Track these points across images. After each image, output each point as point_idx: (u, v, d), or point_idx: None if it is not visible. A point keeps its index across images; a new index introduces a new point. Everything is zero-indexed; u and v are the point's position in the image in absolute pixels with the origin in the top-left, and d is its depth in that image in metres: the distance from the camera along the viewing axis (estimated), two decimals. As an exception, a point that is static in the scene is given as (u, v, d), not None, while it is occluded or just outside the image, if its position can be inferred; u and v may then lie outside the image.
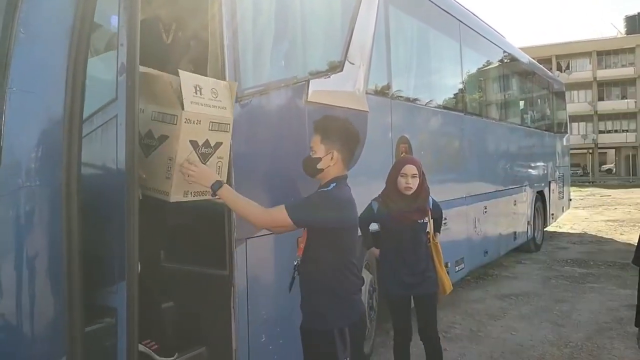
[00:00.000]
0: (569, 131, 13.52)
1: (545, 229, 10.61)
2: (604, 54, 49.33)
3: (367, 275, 4.43)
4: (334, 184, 2.49)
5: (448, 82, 6.59)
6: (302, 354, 2.57)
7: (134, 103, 2.28)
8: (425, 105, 5.67)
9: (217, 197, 2.47)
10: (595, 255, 9.50)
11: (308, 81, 3.57)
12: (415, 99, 5.47)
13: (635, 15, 49.23)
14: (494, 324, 5.55)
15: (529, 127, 9.80)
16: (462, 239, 6.30)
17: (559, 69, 47.54)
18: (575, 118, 40.71)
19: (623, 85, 49.11)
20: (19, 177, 2.04)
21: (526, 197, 9.09)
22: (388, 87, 4.79)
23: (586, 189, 30.45)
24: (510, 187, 8.23)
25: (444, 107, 6.22)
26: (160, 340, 2.81)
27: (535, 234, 9.79)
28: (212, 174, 2.42)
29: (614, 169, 51.17)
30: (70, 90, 2.14)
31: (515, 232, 8.49)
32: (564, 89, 13.09)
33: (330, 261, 2.47)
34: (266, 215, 2.43)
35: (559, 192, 11.57)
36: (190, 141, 2.41)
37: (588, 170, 48.34)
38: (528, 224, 9.18)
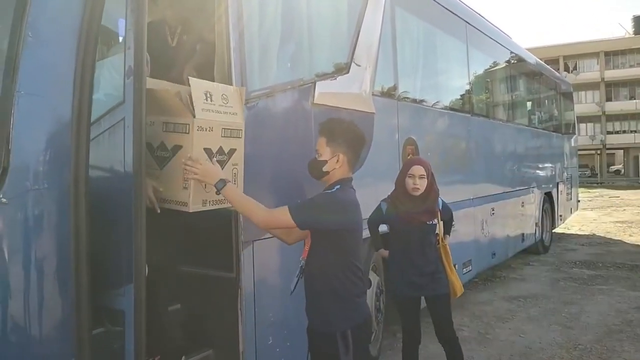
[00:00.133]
0: (576, 132, 13.44)
1: (553, 231, 10.55)
2: (611, 54, 49.05)
3: (374, 278, 4.42)
4: (339, 186, 2.49)
5: (455, 83, 6.57)
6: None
7: (141, 106, 2.29)
8: (432, 106, 5.66)
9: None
10: (604, 257, 9.44)
11: (314, 83, 3.57)
12: (422, 100, 5.45)
13: (644, 15, 48.93)
14: (502, 326, 5.52)
15: (536, 128, 9.75)
16: (469, 241, 6.27)
17: (567, 69, 47.33)
18: (583, 119, 40.48)
19: (631, 86, 48.78)
20: (27, 179, 2.06)
21: (534, 198, 9.04)
22: (394, 88, 4.78)
23: (594, 190, 30.28)
24: (518, 188, 8.19)
25: (451, 109, 6.21)
26: (167, 343, 2.81)
27: (544, 236, 9.73)
28: (217, 172, 2.41)
29: (623, 170, 50.84)
30: (78, 93, 2.16)
31: (523, 234, 8.44)
32: (571, 90, 13.03)
33: (333, 263, 2.46)
34: (269, 216, 2.43)
35: (567, 194, 11.51)
36: (205, 149, 2.41)
37: (596, 171, 48.06)
38: (536, 225, 9.13)
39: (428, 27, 5.71)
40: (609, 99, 49.06)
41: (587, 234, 12.63)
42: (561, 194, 10.83)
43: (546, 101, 11.14)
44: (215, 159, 2.45)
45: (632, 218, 15.66)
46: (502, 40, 8.08)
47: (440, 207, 3.68)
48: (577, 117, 14.00)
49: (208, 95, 2.43)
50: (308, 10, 3.69)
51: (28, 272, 2.06)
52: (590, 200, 22.24)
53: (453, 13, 6.15)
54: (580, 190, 15.55)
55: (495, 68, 8.03)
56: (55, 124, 2.15)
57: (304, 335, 2.57)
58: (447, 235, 3.91)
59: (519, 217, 8.29)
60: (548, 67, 11.42)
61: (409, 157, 4.81)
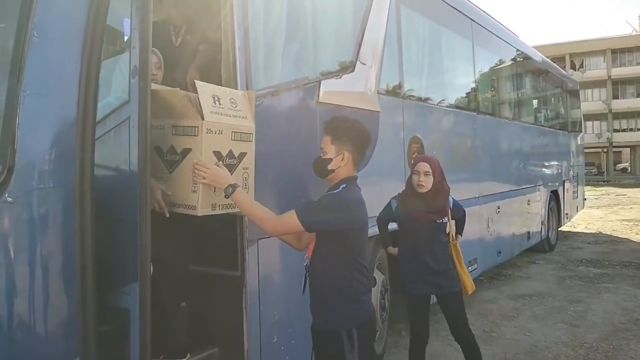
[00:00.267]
0: (583, 130, 13.38)
1: (559, 229, 10.52)
2: (618, 51, 48.82)
3: (379, 276, 4.42)
4: (344, 185, 2.48)
5: (460, 81, 6.55)
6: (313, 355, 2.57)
7: (146, 105, 2.29)
8: (438, 104, 5.65)
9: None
10: (610, 255, 9.40)
11: (319, 82, 3.57)
12: (428, 99, 5.44)
13: (651, 12, 48.58)
14: (507, 325, 5.51)
15: (542, 126, 9.71)
16: (475, 239, 6.25)
17: (573, 67, 47.09)
18: (589, 117, 40.30)
19: (638, 84, 48.57)
20: (32, 179, 2.07)
21: (540, 196, 9.01)
22: (400, 86, 4.77)
23: (601, 188, 30.12)
24: (524, 186, 8.16)
25: (457, 107, 6.19)
26: (172, 341, 2.82)
27: (550, 234, 9.69)
28: (226, 176, 2.40)
29: (629, 168, 50.58)
30: (83, 92, 2.17)
31: (529, 232, 8.42)
32: (578, 88, 12.97)
33: (338, 262, 2.45)
34: (278, 221, 2.42)
35: (574, 192, 11.46)
36: (214, 152, 2.40)
37: (603, 169, 47.86)
38: (542, 223, 9.10)
39: (433, 25, 5.69)
40: (615, 97, 48.83)
41: (593, 232, 12.58)
42: (567, 192, 10.78)
43: (552, 99, 11.10)
44: (225, 162, 2.44)
45: (638, 216, 15.56)
46: (508, 38, 8.05)
47: (451, 206, 3.66)
48: (583, 114, 13.93)
49: (216, 98, 2.42)
50: (313, 8, 3.69)
51: (34, 270, 2.07)
52: (596, 199, 22.14)
53: (459, 11, 6.13)
54: (587, 188, 15.49)
55: (501, 66, 8.01)
56: (60, 123, 2.16)
57: (308, 333, 2.57)
58: (459, 235, 3.89)
59: (524, 216, 8.26)
60: (554, 64, 11.38)
61: (414, 156, 4.81)
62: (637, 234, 12.06)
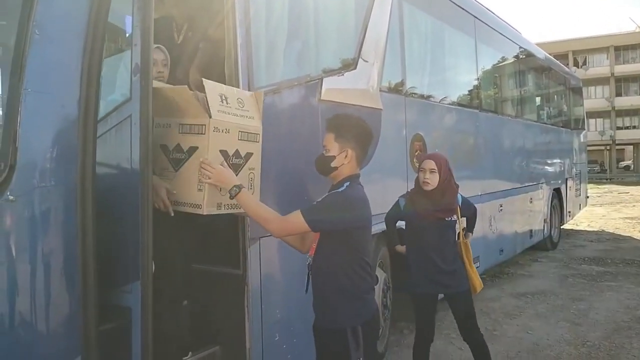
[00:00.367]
0: (586, 127, 13.34)
1: (562, 227, 10.50)
2: (621, 49, 48.62)
3: (381, 274, 4.42)
4: (348, 183, 2.46)
5: (463, 78, 6.54)
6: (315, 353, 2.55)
7: (148, 103, 2.29)
8: (440, 102, 5.63)
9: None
10: (613, 253, 9.38)
11: (321, 79, 3.56)
12: (430, 96, 5.43)
13: (655, 9, 48.41)
14: (509, 323, 5.50)
15: (545, 123, 9.69)
16: (477, 237, 6.21)
17: (576, 64, 46.93)
18: (592, 114, 40.25)
19: (642, 81, 48.41)
20: (34, 177, 2.06)
21: (542, 194, 8.99)
22: (402, 84, 4.76)
23: (603, 186, 30.08)
24: (527, 184, 8.15)
25: (459, 104, 6.17)
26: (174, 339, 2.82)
27: (552, 232, 9.68)
28: (231, 176, 2.38)
29: (632, 166, 50.49)
30: (84, 90, 2.16)
31: (531, 230, 8.41)
32: (580, 85, 12.93)
33: (342, 260, 2.44)
34: (284, 222, 2.40)
35: (576, 190, 11.44)
36: (221, 151, 2.39)
37: (605, 167, 47.78)
38: (544, 221, 9.09)
39: (436, 22, 5.67)
40: (618, 94, 48.66)
41: (596, 230, 12.56)
42: (570, 189, 10.76)
43: (555, 96, 11.07)
44: (231, 162, 2.43)
45: (641, 214, 15.55)
46: (511, 35, 8.03)
47: (460, 203, 3.63)
48: (586, 112, 13.90)
49: (223, 97, 2.41)
50: (315, 5, 3.68)
51: (35, 269, 2.07)
52: (599, 196, 22.10)
53: (461, 8, 6.11)
54: (589, 186, 15.46)
55: (503, 63, 7.99)
56: (62, 121, 2.15)
57: (310, 332, 2.56)
58: (470, 233, 3.87)
59: (527, 214, 8.25)
60: (557, 62, 11.34)
61: (416, 154, 4.80)
62: None
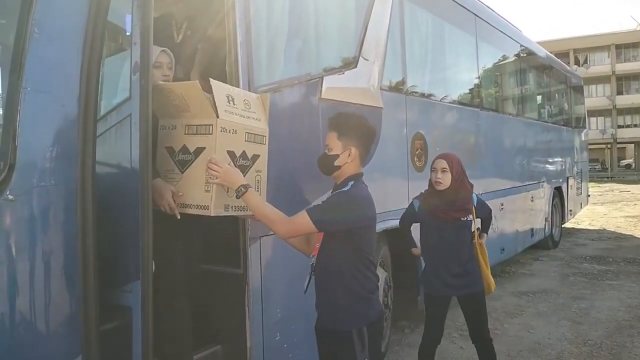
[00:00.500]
0: (587, 126, 13.33)
1: (563, 226, 10.48)
2: (622, 47, 48.53)
3: (381, 273, 4.41)
4: (352, 182, 2.44)
5: (464, 77, 6.53)
6: (317, 352, 2.53)
7: (147, 102, 2.29)
8: (441, 100, 5.62)
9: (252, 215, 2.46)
10: (614, 252, 9.37)
11: (322, 78, 3.55)
12: (431, 95, 5.42)
13: (656, 7, 48.36)
14: (511, 322, 5.50)
15: (546, 122, 9.67)
16: (478, 236, 6.23)
17: (577, 63, 46.90)
18: (593, 112, 40.20)
19: (643, 79, 48.35)
20: (34, 176, 2.06)
21: (543, 193, 8.98)
22: (403, 83, 4.75)
23: (605, 185, 30.05)
24: (528, 183, 8.13)
25: (460, 103, 6.16)
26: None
27: (553, 231, 9.66)
28: (238, 176, 2.35)
29: (634, 164, 50.43)
30: (84, 89, 2.16)
31: (532, 229, 8.39)
32: (582, 83, 12.91)
33: (348, 260, 2.41)
34: (290, 223, 2.37)
35: (577, 188, 11.42)
36: (228, 152, 2.38)
37: (607, 165, 47.74)
38: (545, 220, 9.07)
39: (437, 20, 5.66)
40: (619, 93, 48.58)
41: (597, 228, 12.54)
42: (571, 188, 10.75)
43: (556, 95, 11.05)
44: (238, 163, 2.42)
45: (643, 213, 15.54)
46: (511, 33, 8.01)
47: (475, 204, 3.59)
48: (587, 110, 13.88)
49: (230, 98, 2.40)
50: (315, 4, 3.67)
51: (35, 268, 2.06)
52: (600, 195, 22.08)
53: (462, 6, 6.10)
54: (591, 184, 15.44)
55: (504, 62, 7.97)
56: (61, 120, 2.15)
57: (311, 331, 2.55)
58: (485, 234, 3.83)
59: (528, 212, 8.23)
60: (558, 60, 11.32)
61: (417, 152, 4.79)
62: (641, 230, 12.03)
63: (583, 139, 12.37)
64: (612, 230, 12.22)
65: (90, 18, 2.19)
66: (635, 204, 18.32)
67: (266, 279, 3.03)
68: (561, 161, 10.27)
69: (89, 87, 2.16)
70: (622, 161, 51.54)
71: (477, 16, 6.52)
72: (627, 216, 14.73)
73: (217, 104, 2.30)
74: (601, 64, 48.65)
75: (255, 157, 2.53)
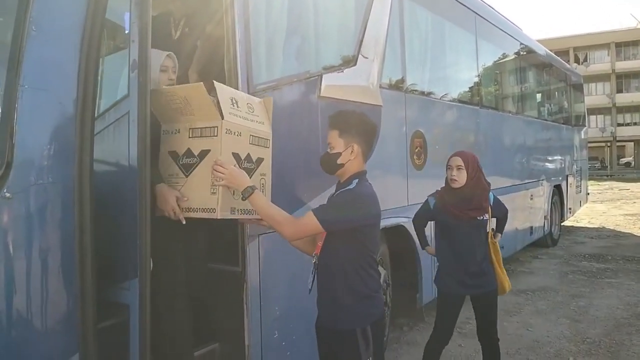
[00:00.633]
0: (586, 124, 13.32)
1: (562, 224, 10.49)
2: (622, 45, 48.54)
3: (380, 271, 4.40)
4: (356, 180, 2.41)
5: (463, 75, 6.51)
6: (315, 350, 2.52)
7: (146, 99, 2.28)
8: (440, 99, 5.61)
9: (261, 220, 2.44)
10: (613, 250, 9.38)
11: (321, 76, 3.55)
12: (430, 93, 5.41)
13: (656, 5, 48.33)
14: (509, 320, 5.50)
15: (545, 120, 9.67)
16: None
17: (577, 61, 46.84)
18: (593, 111, 40.17)
19: (642, 77, 48.34)
20: (31, 174, 2.05)
21: (543, 191, 8.98)
22: (402, 80, 4.74)
23: (604, 183, 30.06)
24: (527, 181, 8.13)
25: (459, 101, 6.15)
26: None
27: (552, 229, 9.67)
28: (244, 178, 2.33)
29: (633, 162, 50.44)
30: (82, 87, 2.15)
31: (531, 227, 8.39)
32: (581, 81, 12.90)
33: (351, 259, 2.38)
34: (297, 225, 2.34)
35: (577, 186, 11.42)
36: (233, 154, 2.36)
37: (606, 163, 47.72)
38: (545, 218, 9.07)
39: (436, 18, 5.65)
40: (619, 91, 48.59)
41: (596, 226, 12.55)
42: (570, 186, 10.75)
43: (556, 93, 11.05)
44: (243, 165, 2.40)
45: (642, 211, 15.55)
46: (511, 31, 8.00)
47: (492, 203, 3.56)
48: (587, 109, 13.87)
49: (234, 101, 2.39)
50: (314, 1, 3.66)
51: (33, 266, 2.06)
52: (599, 193, 22.09)
53: (462, 4, 6.09)
54: (590, 182, 15.45)
55: (504, 60, 7.96)
56: (59, 118, 2.14)
57: (310, 328, 2.54)
58: (499, 234, 3.81)
59: (527, 210, 8.23)
60: (558, 58, 11.31)
61: (416, 150, 4.79)
62: (640, 228, 12.04)
63: (582, 137, 12.37)
64: (611, 228, 12.23)
65: (89, 15, 2.18)
66: (635, 202, 18.32)
67: (265, 277, 3.03)
68: (561, 159, 10.27)
69: (86, 85, 2.15)
70: (621, 159, 51.54)
71: (477, 14, 6.51)
72: (626, 214, 14.74)
73: (221, 106, 2.29)
74: (601, 62, 48.64)
75: (260, 160, 2.52)
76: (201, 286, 3.00)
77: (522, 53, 8.51)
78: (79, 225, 2.10)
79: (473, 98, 6.56)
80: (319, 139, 3.38)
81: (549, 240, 9.58)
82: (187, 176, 2.40)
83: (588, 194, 13.23)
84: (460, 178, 3.37)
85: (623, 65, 47.85)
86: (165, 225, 2.42)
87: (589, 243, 10.33)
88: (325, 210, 2.35)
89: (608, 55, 48.79)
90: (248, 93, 2.89)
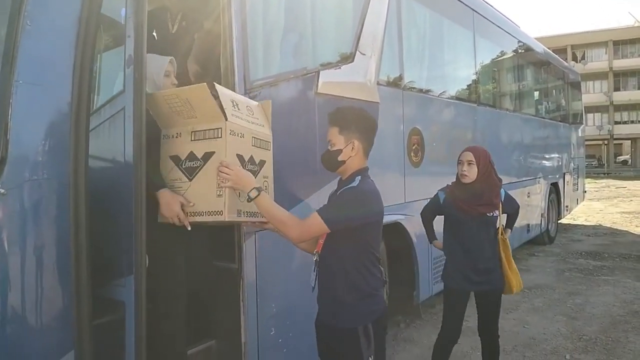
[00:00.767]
0: (584, 122, 13.34)
1: (559, 221, 10.51)
2: (620, 43, 48.61)
3: (379, 268, 4.41)
4: (359, 177, 2.39)
5: (461, 72, 6.51)
6: (312, 347, 2.50)
7: (141, 95, 2.27)
8: (438, 96, 5.60)
9: (266, 223, 2.43)
10: (610, 248, 9.40)
11: (318, 72, 3.53)
12: (428, 90, 5.40)
13: (654, 3, 48.42)
14: (506, 317, 5.49)
15: (543, 118, 9.67)
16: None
17: (574, 59, 46.98)
18: (590, 109, 40.29)
19: (640, 75, 48.44)
20: (26, 170, 2.03)
21: (540, 189, 8.99)
22: (400, 77, 4.73)
23: (601, 181, 30.13)
24: (524, 179, 8.13)
25: (457, 98, 6.14)
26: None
27: (549, 227, 9.68)
28: (250, 178, 2.31)
29: (630, 160, 50.51)
30: (77, 82, 2.13)
31: (528, 225, 8.40)
32: (579, 79, 12.91)
33: (353, 256, 2.36)
34: (303, 226, 2.30)
35: (574, 184, 11.44)
36: (237, 155, 2.34)
37: (603, 161, 47.81)
38: (542, 216, 9.08)
39: (434, 15, 5.64)
40: (617, 89, 48.69)
41: (593, 224, 12.58)
42: (567, 184, 10.77)
43: (553, 91, 11.04)
44: (246, 167, 2.38)
45: (638, 209, 15.58)
46: (509, 29, 8.00)
47: (503, 199, 3.53)
48: (584, 107, 13.89)
49: (234, 103, 2.37)
50: (312, -2, 3.65)
51: (27, 263, 2.04)
52: (596, 191, 22.14)
53: (460, 1, 6.08)
54: (587, 180, 15.47)
55: (502, 57, 7.96)
56: (54, 113, 2.12)
57: (306, 326, 2.54)
58: (509, 230, 3.78)
59: (524, 208, 8.19)
60: (556, 56, 11.31)
61: (414, 147, 4.78)
62: (636, 226, 12.06)
63: (580, 135, 12.38)
64: (608, 226, 12.26)
65: (84, 10, 2.16)
66: (631, 200, 18.37)
67: (261, 274, 3.02)
68: (558, 157, 10.28)
69: (82, 80, 2.13)
70: (618, 157, 51.63)
71: (475, 11, 6.50)
72: (623, 212, 14.78)
73: (224, 107, 2.27)
74: (598, 60, 48.73)
75: (262, 162, 2.51)
76: (200, 285, 3.00)
77: (520, 51, 8.51)
78: (74, 222, 2.09)
79: (471, 95, 6.56)
80: (316, 135, 3.37)
81: (546, 237, 9.60)
82: (190, 180, 2.37)
83: (585, 191, 13.26)
84: (471, 173, 3.35)
85: (621, 64, 47.95)
86: (166, 226, 2.41)
87: (585, 241, 10.35)
88: (331, 210, 2.33)
89: (606, 53, 48.86)
90: (245, 89, 2.88)
